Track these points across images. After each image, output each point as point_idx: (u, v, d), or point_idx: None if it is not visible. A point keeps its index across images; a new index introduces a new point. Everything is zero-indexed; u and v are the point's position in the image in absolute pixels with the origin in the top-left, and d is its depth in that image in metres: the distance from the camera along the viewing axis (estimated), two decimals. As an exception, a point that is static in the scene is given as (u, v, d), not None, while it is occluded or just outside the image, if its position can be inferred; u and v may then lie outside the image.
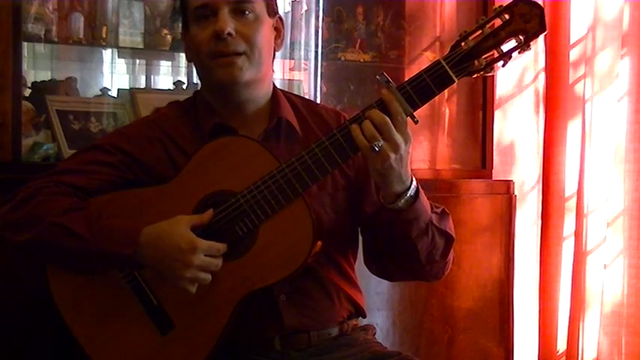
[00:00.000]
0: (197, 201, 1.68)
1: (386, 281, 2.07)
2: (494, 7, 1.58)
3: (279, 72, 2.87)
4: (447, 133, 3.15)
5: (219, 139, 1.71)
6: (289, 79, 2.96)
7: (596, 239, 3.08)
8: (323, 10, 2.98)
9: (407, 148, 1.59)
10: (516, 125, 3.13)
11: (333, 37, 3.03)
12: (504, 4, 1.57)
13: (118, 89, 2.74)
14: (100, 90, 2.70)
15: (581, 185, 3.10)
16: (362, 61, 3.07)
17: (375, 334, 1.94)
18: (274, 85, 1.86)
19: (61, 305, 1.73)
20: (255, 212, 1.64)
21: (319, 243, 1.65)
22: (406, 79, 1.60)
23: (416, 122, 1.60)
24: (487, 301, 2.90)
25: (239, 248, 1.65)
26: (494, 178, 3.01)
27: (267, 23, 1.78)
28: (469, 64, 1.57)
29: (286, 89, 2.31)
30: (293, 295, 1.74)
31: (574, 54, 3.17)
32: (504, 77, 3.11)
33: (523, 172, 3.14)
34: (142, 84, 2.96)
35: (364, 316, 1.91)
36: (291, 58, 2.96)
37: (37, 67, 2.68)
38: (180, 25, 1.82)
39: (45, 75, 2.66)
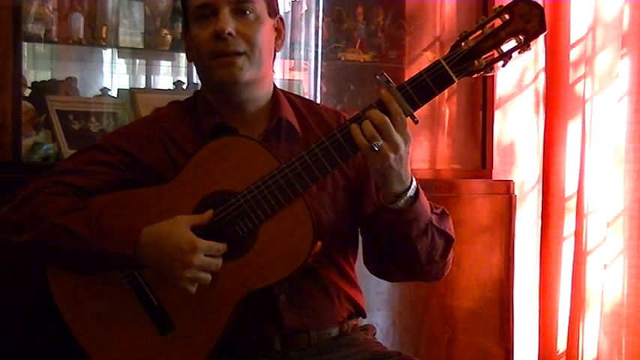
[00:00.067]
0: (197, 201, 1.68)
1: (386, 281, 2.07)
2: (494, 7, 1.58)
3: (279, 72, 2.87)
4: (447, 133, 3.15)
5: (219, 139, 1.71)
6: (289, 79, 2.96)
7: (596, 239, 3.08)
8: (323, 10, 2.98)
9: (407, 148, 1.59)
10: (516, 125, 3.14)
11: (333, 37, 3.03)
12: (504, 4, 1.57)
13: (118, 89, 2.74)
14: (100, 90, 2.70)
15: (581, 185, 3.10)
16: (362, 61, 3.07)
17: (375, 334, 1.94)
18: (274, 85, 1.86)
19: (61, 305, 1.73)
20: (255, 212, 1.64)
21: (319, 243, 1.65)
22: (406, 79, 1.60)
23: (416, 122, 1.60)
24: (487, 301, 2.90)
25: (239, 248, 1.65)
26: (494, 178, 3.01)
27: (268, 23, 1.78)
28: (469, 64, 1.57)
29: (286, 89, 2.31)
30: (293, 295, 1.74)
31: (574, 54, 3.18)
32: (504, 77, 3.11)
33: (523, 172, 3.14)
34: (142, 84, 2.96)
35: (364, 316, 1.91)
36: (291, 58, 2.96)
37: (37, 67, 2.68)
38: (181, 25, 1.83)
39: (45, 75, 2.66)
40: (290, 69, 2.99)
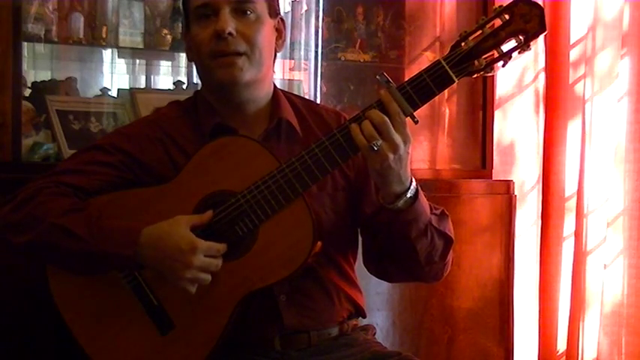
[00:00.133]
0: (197, 201, 1.68)
1: (386, 281, 2.07)
2: (494, 7, 1.58)
3: (279, 72, 2.87)
4: (447, 133, 3.15)
5: (219, 139, 1.71)
6: (289, 79, 2.96)
7: (596, 239, 3.08)
8: (323, 10, 2.98)
9: (406, 148, 1.59)
10: (516, 125, 3.13)
11: (333, 37, 3.03)
12: (504, 4, 1.57)
13: (118, 89, 2.74)
14: (100, 90, 2.70)
15: (581, 185, 3.10)
16: (362, 61, 3.07)
17: (375, 334, 1.94)
18: (275, 86, 1.86)
19: (61, 305, 1.73)
20: (255, 212, 1.64)
21: (319, 243, 1.65)
22: (406, 79, 1.60)
23: (416, 122, 1.60)
24: (487, 301, 2.90)
25: (239, 248, 1.65)
26: (494, 178, 3.01)
27: (269, 24, 1.78)
28: (469, 64, 1.57)
29: (286, 89, 2.32)
30: (293, 295, 1.74)
31: (574, 54, 3.17)
32: (504, 77, 3.11)
33: (523, 172, 3.14)
34: (142, 84, 2.96)
35: (364, 316, 1.91)
36: (291, 58, 2.96)
37: (37, 67, 2.68)
38: (181, 25, 1.83)
39: (45, 75, 2.66)
40: (290, 69, 2.99)
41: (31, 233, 1.67)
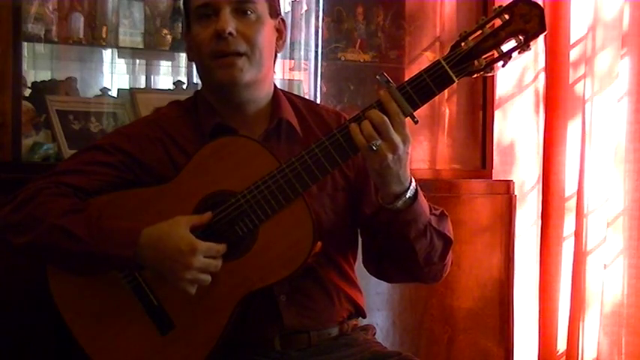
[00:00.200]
0: (197, 201, 1.68)
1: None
2: (494, 7, 1.58)
3: (279, 72, 2.87)
4: (447, 133, 3.15)
5: (219, 139, 1.71)
6: (289, 79, 2.96)
7: (596, 239, 3.08)
8: (323, 10, 2.98)
9: (405, 148, 1.59)
10: (516, 125, 3.13)
11: (333, 37, 3.03)
12: (504, 4, 1.57)
13: (118, 89, 2.74)
14: (100, 90, 2.70)
15: (581, 185, 3.10)
16: (362, 61, 3.07)
17: (375, 334, 1.94)
18: (275, 86, 1.86)
19: (61, 305, 1.73)
20: (255, 212, 1.64)
21: (319, 244, 1.65)
22: (406, 79, 1.60)
23: (416, 122, 1.60)
24: (487, 301, 2.90)
25: (239, 248, 1.65)
26: (494, 178, 3.01)
27: (269, 24, 1.78)
28: (469, 64, 1.57)
29: (286, 89, 2.31)
30: (293, 295, 1.74)
31: (574, 54, 3.17)
32: (504, 77, 3.11)
33: (523, 172, 3.14)
34: (142, 84, 2.95)
35: (364, 316, 1.91)
36: (291, 58, 2.96)
37: (37, 67, 2.68)
38: (181, 25, 1.82)
39: (45, 75, 2.66)
40: (290, 69, 2.99)
41: (31, 234, 1.67)
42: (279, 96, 1.84)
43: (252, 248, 1.65)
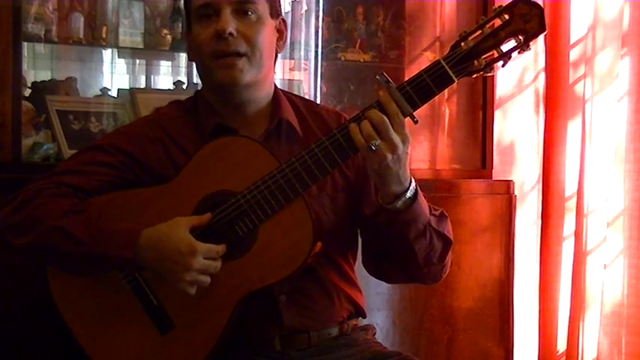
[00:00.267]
0: (197, 201, 1.68)
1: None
2: (494, 7, 1.58)
3: (279, 72, 2.87)
4: (447, 133, 3.15)
5: (219, 139, 1.72)
6: (289, 79, 2.96)
7: (596, 239, 3.08)
8: (323, 10, 2.98)
9: (405, 148, 1.59)
10: (516, 125, 3.13)
11: (333, 37, 3.03)
12: (504, 4, 1.57)
13: (118, 89, 2.74)
14: (100, 90, 2.70)
15: (581, 185, 3.10)
16: (362, 61, 3.07)
17: (375, 334, 1.94)
18: (275, 86, 1.86)
19: (61, 305, 1.73)
20: (255, 212, 1.64)
21: (319, 244, 1.65)
22: (406, 79, 1.60)
23: (415, 122, 1.60)
24: (487, 301, 2.90)
25: (239, 248, 1.65)
26: (494, 178, 3.01)
27: (270, 25, 1.78)
28: (469, 64, 1.57)
29: (286, 89, 2.31)
30: (293, 295, 1.74)
31: (574, 54, 3.17)
32: (504, 77, 3.11)
33: (523, 172, 3.14)
34: (142, 84, 2.96)
35: (364, 316, 1.91)
36: (291, 58, 2.96)
37: (37, 67, 2.68)
38: (181, 25, 1.82)
39: (45, 75, 2.66)
40: (290, 69, 2.99)
41: (31, 235, 1.67)
42: (279, 96, 1.84)
43: (252, 248, 1.65)
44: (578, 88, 3.15)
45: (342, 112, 1.92)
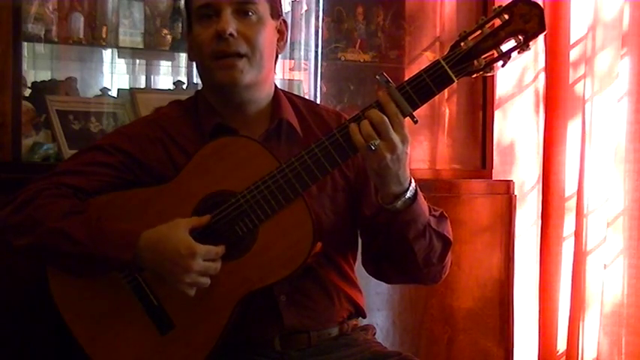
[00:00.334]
0: (197, 201, 1.68)
1: (385, 282, 2.07)
2: (493, 7, 1.58)
3: (279, 72, 2.87)
4: (447, 133, 3.15)
5: (219, 139, 1.72)
6: (289, 79, 2.96)
7: (596, 239, 3.08)
8: (323, 10, 2.98)
9: (404, 148, 1.59)
10: (516, 125, 3.13)
11: (333, 37, 3.03)
12: (504, 4, 1.57)
13: (118, 89, 2.74)
14: (100, 90, 2.70)
15: (581, 185, 3.10)
16: (362, 61, 3.07)
17: (375, 334, 1.94)
18: (276, 86, 1.86)
19: (61, 305, 1.73)
20: (255, 212, 1.64)
21: (319, 244, 1.65)
22: (406, 79, 1.60)
23: (415, 122, 1.60)
24: (487, 301, 2.90)
25: (239, 248, 1.65)
26: (494, 178, 3.01)
27: (270, 25, 1.78)
28: (468, 64, 1.57)
29: (286, 89, 2.31)
30: (293, 295, 1.74)
31: (574, 54, 3.17)
32: (504, 77, 3.11)
33: (523, 172, 3.14)
34: (142, 84, 2.96)
35: (364, 316, 1.91)
36: (291, 58, 2.96)
37: (37, 67, 2.68)
38: (180, 25, 1.82)
39: (45, 75, 2.66)
40: (290, 69, 2.99)
41: (31, 236, 1.67)
42: (279, 96, 1.84)
43: (251, 248, 1.65)
44: (578, 88, 3.15)
45: (342, 113, 1.92)
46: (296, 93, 2.37)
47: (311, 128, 1.83)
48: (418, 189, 1.68)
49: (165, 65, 2.98)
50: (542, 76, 3.15)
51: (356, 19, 3.07)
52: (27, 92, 2.49)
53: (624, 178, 3.04)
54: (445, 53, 1.59)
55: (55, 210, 1.67)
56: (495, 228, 2.90)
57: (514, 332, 2.96)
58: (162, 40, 2.73)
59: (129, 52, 2.82)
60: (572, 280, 3.13)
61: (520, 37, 1.56)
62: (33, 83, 2.55)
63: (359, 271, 1.87)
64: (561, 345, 3.19)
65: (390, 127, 1.57)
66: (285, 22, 1.85)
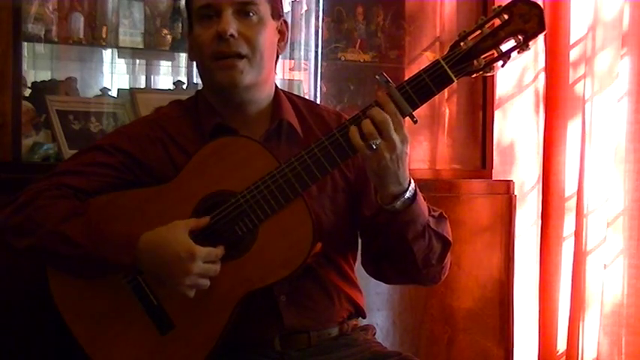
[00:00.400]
0: (197, 201, 1.68)
1: (385, 282, 2.07)
2: (493, 7, 1.58)
3: (279, 72, 2.87)
4: (447, 133, 3.15)
5: (219, 139, 1.71)
6: (289, 79, 2.96)
7: (596, 239, 3.08)
8: (323, 10, 2.98)
9: (404, 148, 1.59)
10: (516, 125, 3.13)
11: (333, 37, 3.03)
12: (504, 4, 1.57)
13: (118, 89, 2.74)
14: (100, 90, 2.70)
15: (581, 185, 3.10)
16: (362, 61, 3.07)
17: (375, 334, 1.94)
18: (276, 87, 1.86)
19: (61, 306, 1.73)
20: (255, 212, 1.64)
21: (319, 244, 1.65)
22: (406, 79, 1.60)
23: (415, 122, 1.60)
24: (487, 301, 2.90)
25: (239, 248, 1.65)
26: (494, 178, 3.01)
27: (271, 26, 1.77)
28: (468, 63, 1.57)
29: (286, 89, 2.31)
30: (293, 295, 1.74)
31: (574, 54, 3.17)
32: (504, 77, 3.11)
33: (523, 172, 3.14)
34: (142, 84, 2.96)
35: (364, 317, 1.90)
36: (291, 58, 2.96)
37: (37, 67, 2.68)
38: (180, 25, 1.82)
39: (45, 75, 2.66)
40: (290, 69, 2.99)
41: (31, 238, 1.67)
42: (280, 97, 1.84)
43: (251, 248, 1.65)
44: (578, 88, 3.15)
45: (342, 113, 1.92)
46: (296, 93, 2.37)
47: (311, 129, 1.83)
48: (418, 189, 1.68)
49: (165, 65, 2.98)
50: (542, 76, 3.15)
51: (356, 19, 3.07)
52: (27, 92, 2.49)
53: (624, 178, 3.04)
54: (445, 53, 1.59)
55: (55, 211, 1.67)
56: (495, 228, 2.90)
57: (514, 332, 2.96)
58: (162, 40, 2.73)
59: (129, 52, 2.82)
60: (572, 280, 3.13)
61: (520, 37, 1.56)
62: (33, 83, 2.55)
63: (359, 271, 1.87)
64: (561, 345, 3.19)
65: (392, 126, 1.57)
66: (285, 22, 1.84)
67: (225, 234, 1.65)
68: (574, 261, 3.13)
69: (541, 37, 1.64)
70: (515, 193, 2.98)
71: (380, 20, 3.10)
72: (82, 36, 2.62)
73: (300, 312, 1.75)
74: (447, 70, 1.57)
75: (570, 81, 3.18)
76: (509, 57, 1.58)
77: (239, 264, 1.65)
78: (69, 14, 2.59)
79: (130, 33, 2.70)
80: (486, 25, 1.57)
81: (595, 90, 3.07)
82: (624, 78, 3.04)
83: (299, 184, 1.62)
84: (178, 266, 1.59)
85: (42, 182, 1.75)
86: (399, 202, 1.64)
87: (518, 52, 1.57)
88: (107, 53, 2.78)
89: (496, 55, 1.58)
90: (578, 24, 3.15)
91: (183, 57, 2.83)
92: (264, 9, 1.75)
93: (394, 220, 1.66)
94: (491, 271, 2.90)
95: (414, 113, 1.59)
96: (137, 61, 2.93)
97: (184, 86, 2.82)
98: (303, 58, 2.96)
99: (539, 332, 3.17)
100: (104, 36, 2.66)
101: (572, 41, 3.17)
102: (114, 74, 2.82)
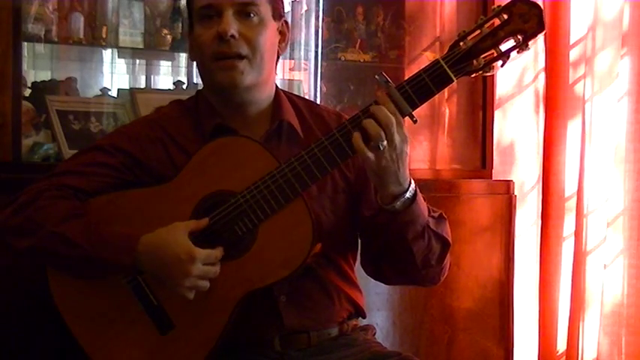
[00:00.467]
0: (197, 201, 1.68)
1: (385, 283, 2.07)
2: (493, 7, 1.58)
3: (279, 72, 2.86)
4: (447, 133, 3.15)
5: (219, 139, 1.71)
6: (289, 79, 2.96)
7: (596, 239, 3.08)
8: (323, 10, 2.98)
9: (404, 148, 1.59)
10: (516, 125, 3.13)
11: (333, 37, 3.03)
12: (503, 4, 1.57)
13: (118, 89, 2.74)
14: (100, 90, 2.70)
15: (581, 185, 3.10)
16: (362, 61, 3.07)
17: (375, 334, 1.94)
18: (277, 87, 1.86)
19: (61, 306, 1.73)
20: (255, 212, 1.64)
21: (319, 245, 1.65)
22: (405, 78, 1.60)
23: (414, 122, 1.60)
24: (487, 301, 2.90)
25: (238, 248, 1.65)
26: (494, 178, 3.01)
27: (272, 27, 1.77)
28: (468, 63, 1.57)
29: (286, 89, 2.31)
30: (293, 295, 1.74)
31: (574, 54, 3.17)
32: (504, 77, 3.11)
33: (523, 172, 3.14)
34: (142, 84, 2.96)
35: (364, 317, 1.90)
36: (291, 58, 2.96)
37: (37, 67, 2.68)
38: (180, 25, 1.82)
39: (45, 75, 2.66)
40: (290, 69, 2.99)
41: (31, 239, 1.67)
42: (280, 97, 1.84)
43: (251, 248, 1.65)
44: (578, 88, 3.16)
45: (342, 113, 1.92)
46: (296, 93, 2.38)
47: (312, 129, 1.83)
48: (418, 190, 1.68)
49: (165, 65, 2.98)
50: (542, 76, 3.15)
51: (356, 19, 3.07)
52: (27, 92, 2.49)
53: (624, 178, 3.04)
54: (444, 53, 1.59)
55: (55, 212, 1.67)
56: (495, 228, 2.90)
57: (514, 332, 2.96)
58: (162, 40, 2.73)
59: (129, 52, 2.82)
60: (572, 280, 3.13)
61: (519, 36, 1.56)
62: (33, 83, 2.55)
63: (359, 271, 1.87)
64: (561, 345, 3.19)
65: (395, 126, 1.57)
66: (286, 23, 1.84)
67: (225, 234, 1.65)
68: (574, 261, 3.13)
69: (541, 37, 1.64)
70: (515, 193, 2.98)
71: (380, 20, 3.11)
72: (82, 36, 2.62)
73: (300, 312, 1.75)
74: (447, 69, 1.57)
75: (570, 81, 3.18)
76: (508, 57, 1.58)
77: (239, 264, 1.65)
78: (69, 14, 2.59)
79: (130, 33, 2.70)
80: (486, 25, 1.57)
81: (595, 90, 3.07)
82: (624, 78, 3.04)
83: (299, 184, 1.63)
84: (178, 268, 1.59)
85: (42, 182, 1.75)
86: (398, 203, 1.64)
87: (518, 52, 1.57)
88: (107, 53, 2.78)
89: (495, 54, 1.58)
90: (578, 24, 3.15)
91: (183, 57, 2.83)
92: (265, 10, 1.75)
93: (394, 221, 1.66)
94: (491, 271, 2.90)
95: (413, 113, 1.59)
96: (137, 61, 2.93)
97: (184, 86, 2.82)
98: (303, 58, 2.96)
99: (539, 332, 3.17)
100: (104, 36, 2.66)
101: (572, 41, 3.17)
102: (114, 74, 2.82)
